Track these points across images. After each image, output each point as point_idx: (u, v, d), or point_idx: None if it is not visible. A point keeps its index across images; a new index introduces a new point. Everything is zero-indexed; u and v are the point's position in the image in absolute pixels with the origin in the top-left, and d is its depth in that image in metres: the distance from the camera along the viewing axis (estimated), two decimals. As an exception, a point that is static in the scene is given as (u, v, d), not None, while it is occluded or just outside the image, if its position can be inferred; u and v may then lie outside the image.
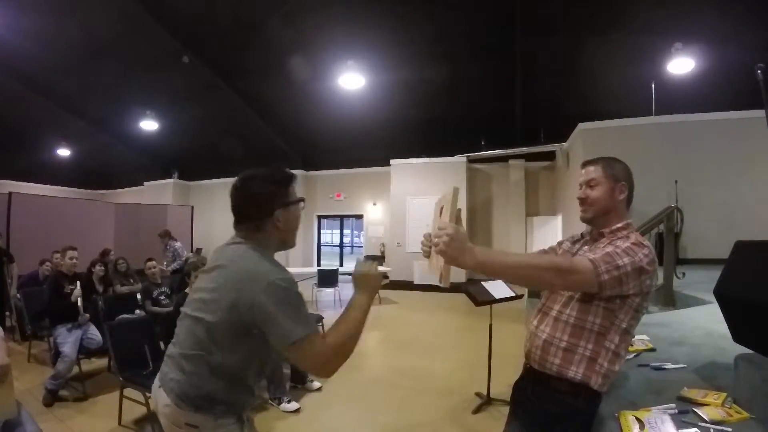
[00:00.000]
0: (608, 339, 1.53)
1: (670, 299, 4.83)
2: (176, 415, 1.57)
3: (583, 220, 1.77)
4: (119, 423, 3.78)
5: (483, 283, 4.63)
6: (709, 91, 8.50)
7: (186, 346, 1.58)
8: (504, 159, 12.72)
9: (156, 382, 1.67)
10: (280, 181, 1.70)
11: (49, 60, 10.94)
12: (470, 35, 9.27)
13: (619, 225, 1.67)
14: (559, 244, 1.94)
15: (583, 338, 1.55)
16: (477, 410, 4.10)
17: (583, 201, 1.74)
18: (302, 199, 1.76)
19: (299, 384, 4.64)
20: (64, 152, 16.63)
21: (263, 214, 1.64)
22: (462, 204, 12.46)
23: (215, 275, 1.58)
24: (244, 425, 1.66)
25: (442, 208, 1.54)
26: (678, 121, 8.35)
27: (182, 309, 1.69)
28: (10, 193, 8.53)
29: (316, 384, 4.69)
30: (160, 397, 1.61)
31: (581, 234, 1.85)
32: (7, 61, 10.98)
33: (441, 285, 1.43)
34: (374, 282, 1.64)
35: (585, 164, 1.80)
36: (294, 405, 4.14)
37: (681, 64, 8.19)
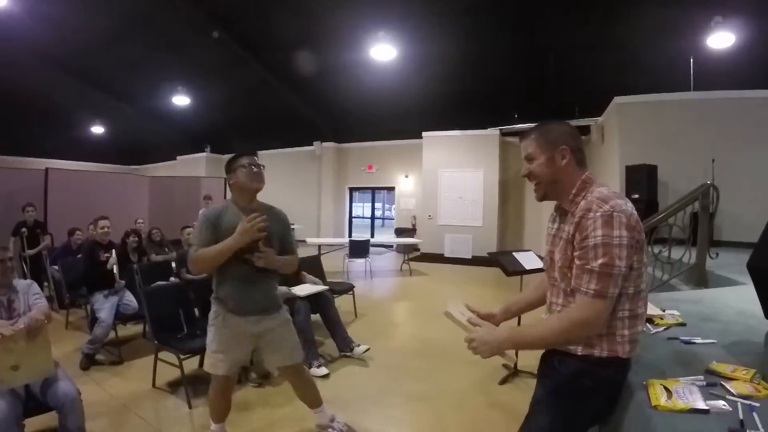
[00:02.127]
0: (619, 309, 1.50)
1: (702, 279, 4.74)
2: None
3: (538, 200, 1.72)
4: (153, 385, 3.93)
5: (514, 253, 4.62)
6: (750, 67, 8.18)
7: None
8: (538, 133, 12.50)
9: None
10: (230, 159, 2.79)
11: (80, 42, 11.18)
12: (502, 5, 9.05)
13: (574, 191, 1.58)
14: (548, 235, 1.83)
15: None
16: (503, 381, 4.13)
17: (528, 178, 1.69)
18: (242, 166, 2.71)
19: (347, 351, 4.70)
20: (98, 130, 17.06)
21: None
22: (494, 178, 12.44)
23: None
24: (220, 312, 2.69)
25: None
26: (717, 97, 8.09)
27: None
28: (46, 169, 8.77)
29: (363, 347, 4.72)
30: None
31: (554, 210, 1.77)
32: (40, 47, 11.32)
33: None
34: None
35: (520, 138, 1.72)
36: (324, 370, 4.25)
37: (721, 39, 7.86)
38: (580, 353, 1.54)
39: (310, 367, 4.25)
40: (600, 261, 1.42)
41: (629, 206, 1.48)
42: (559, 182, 1.62)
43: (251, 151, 2.92)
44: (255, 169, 2.71)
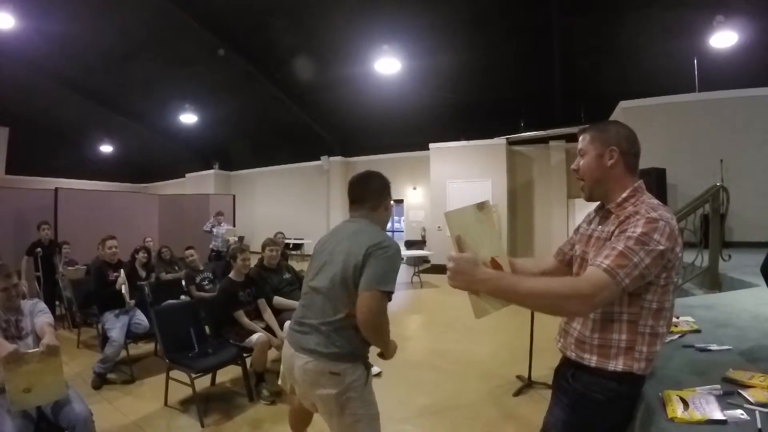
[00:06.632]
0: (641, 324, 1.45)
1: (715, 282, 4.69)
2: (320, 367, 2.04)
3: (586, 199, 1.67)
4: (165, 404, 3.92)
5: None
6: (754, 65, 8.16)
7: (327, 315, 2.06)
8: (544, 140, 12.47)
9: (287, 350, 2.20)
10: (387, 183, 2.33)
11: (89, 61, 11.35)
12: (506, 15, 9.11)
13: (624, 195, 1.53)
14: (576, 230, 1.81)
15: (615, 331, 1.47)
16: (518, 393, 4.09)
17: (576, 173, 1.65)
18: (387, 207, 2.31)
19: None
20: (106, 149, 17.25)
21: (381, 199, 2.25)
22: (503, 187, 12.29)
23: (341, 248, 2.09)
24: (369, 371, 2.29)
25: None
26: (723, 97, 8.06)
27: (309, 284, 2.19)
28: (56, 188, 8.82)
29: (376, 369, 4.67)
30: (297, 359, 2.09)
31: (594, 210, 1.74)
32: (49, 66, 11.47)
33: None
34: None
35: (578, 133, 1.69)
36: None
37: (724, 38, 7.84)
38: (593, 365, 1.51)
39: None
40: (626, 244, 1.36)
41: (675, 222, 1.44)
42: (604, 183, 1.58)
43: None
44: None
